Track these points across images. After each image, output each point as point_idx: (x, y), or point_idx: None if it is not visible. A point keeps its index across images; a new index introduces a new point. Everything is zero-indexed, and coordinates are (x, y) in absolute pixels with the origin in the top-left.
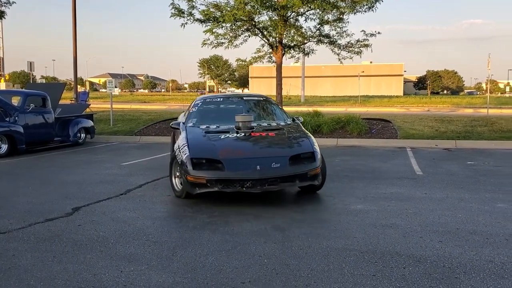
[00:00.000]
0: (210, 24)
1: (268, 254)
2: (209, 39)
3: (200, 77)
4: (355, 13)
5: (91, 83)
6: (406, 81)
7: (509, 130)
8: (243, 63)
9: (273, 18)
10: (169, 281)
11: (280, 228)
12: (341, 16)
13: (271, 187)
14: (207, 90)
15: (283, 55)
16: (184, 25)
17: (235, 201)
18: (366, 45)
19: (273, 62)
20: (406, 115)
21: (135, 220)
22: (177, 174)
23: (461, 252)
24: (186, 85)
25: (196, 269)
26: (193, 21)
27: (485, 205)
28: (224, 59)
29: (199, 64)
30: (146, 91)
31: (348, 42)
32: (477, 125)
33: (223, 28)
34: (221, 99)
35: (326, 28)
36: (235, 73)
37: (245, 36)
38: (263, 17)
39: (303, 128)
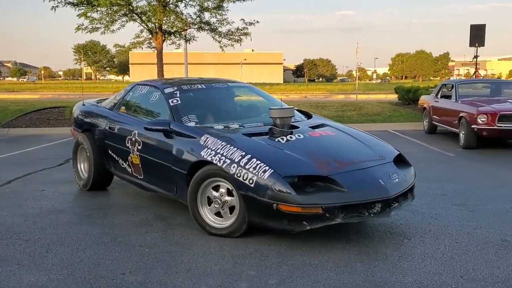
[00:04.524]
0: (84, 8)
1: (149, 243)
2: (83, 24)
3: (76, 63)
4: (234, 1)
5: None
6: (285, 69)
7: (374, 114)
8: (122, 49)
9: (152, 3)
10: (42, 279)
11: (162, 217)
12: (221, 3)
13: (396, 209)
14: (84, 77)
15: (164, 41)
16: (55, 8)
17: (113, 193)
18: (246, 34)
19: (153, 48)
20: (285, 101)
21: (3, 218)
22: (217, 203)
23: None
24: (61, 73)
25: (73, 265)
26: (65, 4)
27: None
28: (102, 44)
29: (74, 50)
30: (15, 79)
31: (229, 30)
32: (347, 109)
33: (99, 12)
34: (204, 86)
35: (207, 15)
36: (114, 59)
37: (122, 21)
38: (142, 2)
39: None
